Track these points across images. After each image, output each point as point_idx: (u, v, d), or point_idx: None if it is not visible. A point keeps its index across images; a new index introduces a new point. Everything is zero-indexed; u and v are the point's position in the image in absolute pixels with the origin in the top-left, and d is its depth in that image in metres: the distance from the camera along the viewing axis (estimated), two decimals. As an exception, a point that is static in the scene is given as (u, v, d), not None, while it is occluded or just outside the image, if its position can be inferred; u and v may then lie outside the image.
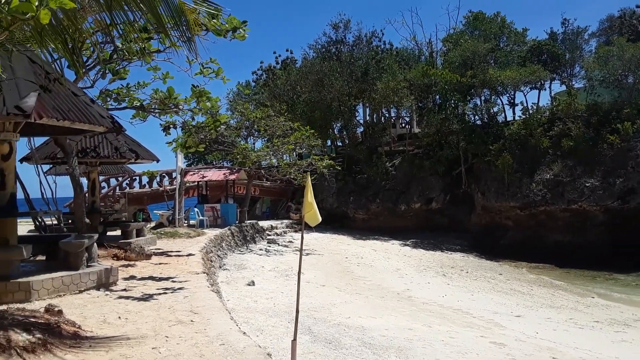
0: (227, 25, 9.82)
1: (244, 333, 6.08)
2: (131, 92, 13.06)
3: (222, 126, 15.07)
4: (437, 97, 33.54)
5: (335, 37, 36.89)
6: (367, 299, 13.77)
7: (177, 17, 5.27)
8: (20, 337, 4.81)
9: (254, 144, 29.45)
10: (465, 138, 29.99)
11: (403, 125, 39.55)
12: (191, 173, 25.49)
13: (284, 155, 28.28)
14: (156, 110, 13.88)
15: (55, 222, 15.43)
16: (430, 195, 31.08)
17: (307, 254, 20.89)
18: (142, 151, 15.74)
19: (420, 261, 22.73)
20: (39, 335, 4.92)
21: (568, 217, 27.07)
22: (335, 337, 9.11)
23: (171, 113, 14.11)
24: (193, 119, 15.77)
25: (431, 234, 29.28)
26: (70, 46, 5.71)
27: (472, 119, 32.82)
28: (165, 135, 15.19)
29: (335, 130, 37.41)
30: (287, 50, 50.98)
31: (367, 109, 37.54)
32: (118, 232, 15.35)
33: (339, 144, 38.97)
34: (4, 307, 6.22)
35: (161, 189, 28.34)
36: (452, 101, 31.78)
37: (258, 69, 44.43)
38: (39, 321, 5.30)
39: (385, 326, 10.38)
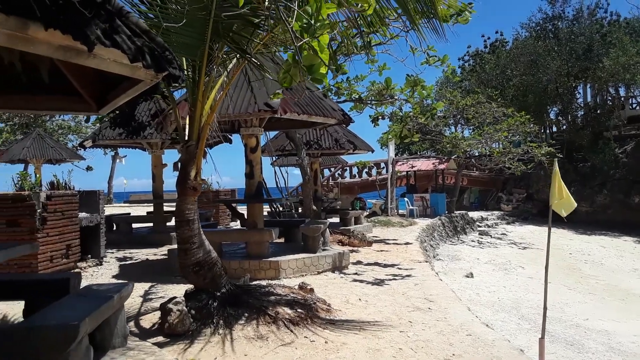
0: (450, 10, 9.57)
1: (487, 325, 5.86)
2: (351, 85, 13.66)
3: (438, 113, 14.87)
4: (683, 70, 28.40)
5: (552, 13, 33.70)
6: (603, 300, 12.32)
7: (424, 5, 5.27)
8: (285, 311, 5.33)
9: (462, 132, 28.59)
10: None
11: (635, 105, 34.46)
12: (400, 163, 25.82)
13: (495, 144, 26.92)
14: (373, 102, 14.30)
15: (281, 208, 17.00)
16: (675, 186, 26.63)
17: (524, 248, 19.60)
18: (359, 142, 16.39)
19: (664, 261, 19.58)
20: (300, 310, 5.39)
21: None
22: (576, 339, 8.32)
23: (387, 104, 14.42)
24: (400, 109, 15.97)
25: (675, 230, 25.06)
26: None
27: None
28: (374, 126, 15.63)
29: (550, 115, 34.31)
30: (496, 32, 48.41)
31: (590, 90, 33.59)
32: (335, 219, 16.26)
33: (554, 129, 35.63)
34: (263, 282, 6.99)
35: (370, 178, 29.31)
36: None
37: (465, 55, 42.88)
38: (297, 297, 5.81)
39: (634, 332, 9.15)
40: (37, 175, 9.17)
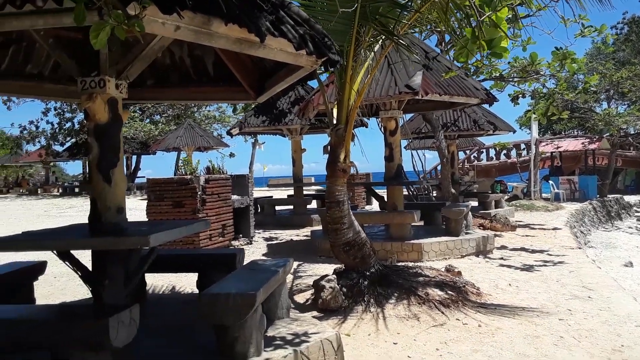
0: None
1: (660, 318, 5.32)
2: (492, 62, 13.01)
3: (591, 88, 13.65)
4: None
5: None
6: None
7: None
8: (435, 292, 5.32)
9: (616, 108, 25.92)
10: None
11: None
12: (544, 143, 24.16)
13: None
14: (515, 79, 13.52)
15: (414, 191, 16.81)
16: None
17: (693, 237, 17.36)
18: (499, 122, 15.62)
19: None
20: (451, 293, 5.34)
21: None
22: None
23: (531, 80, 13.57)
24: (544, 85, 14.90)
25: None
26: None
27: None
28: (514, 105, 14.78)
29: None
30: (656, -5, 43.00)
31: None
32: (473, 203, 15.65)
33: None
34: (409, 263, 7.03)
35: (509, 160, 27.83)
36: None
37: (619, 22, 38.56)
38: (445, 279, 5.75)
39: None
40: (196, 161, 10.04)
